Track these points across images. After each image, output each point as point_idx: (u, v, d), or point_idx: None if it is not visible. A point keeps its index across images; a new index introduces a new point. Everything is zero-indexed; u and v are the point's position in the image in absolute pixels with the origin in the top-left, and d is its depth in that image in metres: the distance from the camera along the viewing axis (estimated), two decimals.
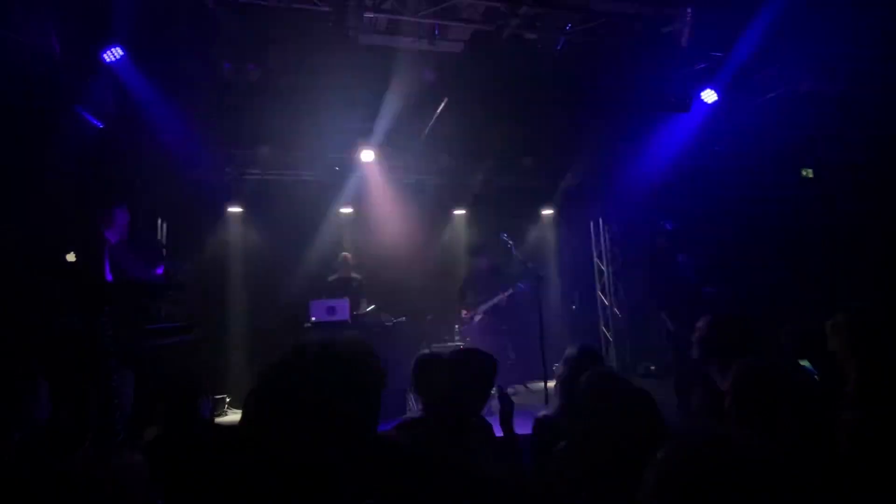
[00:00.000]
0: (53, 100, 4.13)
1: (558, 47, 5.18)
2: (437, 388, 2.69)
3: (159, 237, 6.53)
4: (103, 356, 3.09)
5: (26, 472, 1.92)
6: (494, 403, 5.89)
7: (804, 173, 7.21)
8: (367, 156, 7.07)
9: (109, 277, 3.33)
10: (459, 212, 8.54)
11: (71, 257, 3.11)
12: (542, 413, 2.82)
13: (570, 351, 2.86)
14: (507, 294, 6.14)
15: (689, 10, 4.43)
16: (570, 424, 1.79)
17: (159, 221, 6.62)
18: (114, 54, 4.52)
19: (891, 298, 5.29)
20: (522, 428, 2.70)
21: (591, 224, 8.68)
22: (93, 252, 3.29)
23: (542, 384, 5.34)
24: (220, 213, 7.38)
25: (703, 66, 5.51)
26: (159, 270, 3.76)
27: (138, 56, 4.62)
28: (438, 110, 6.57)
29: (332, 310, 6.00)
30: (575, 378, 2.72)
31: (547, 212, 8.83)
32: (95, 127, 4.36)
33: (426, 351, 2.86)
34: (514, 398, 7.21)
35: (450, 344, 6.90)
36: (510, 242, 5.79)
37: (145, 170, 5.36)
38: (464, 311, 6.42)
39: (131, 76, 4.77)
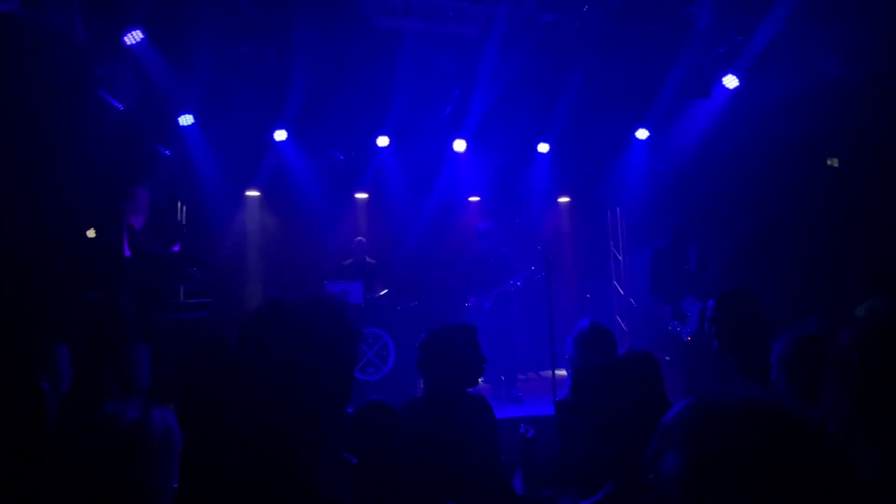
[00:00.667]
0: (76, 82, 4.24)
1: (575, 29, 5.11)
2: (431, 366, 2.75)
3: (179, 219, 6.68)
4: (121, 328, 3.20)
5: (49, 435, 2.01)
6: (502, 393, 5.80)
7: (829, 162, 7.00)
8: (382, 141, 7.11)
9: (128, 253, 3.44)
10: (475, 199, 8.53)
11: (91, 233, 3.22)
12: (563, 396, 2.84)
13: (579, 329, 2.85)
14: (519, 280, 5.96)
15: None
16: (580, 404, 1.79)
17: (179, 204, 6.77)
18: (134, 37, 4.61)
19: None
20: (538, 409, 2.69)
21: (608, 212, 8.59)
22: (112, 229, 3.40)
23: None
24: (238, 196, 7.52)
25: (723, 49, 5.37)
26: (175, 248, 3.86)
27: (158, 39, 4.70)
28: (454, 95, 6.56)
29: (345, 292, 6.08)
30: (580, 356, 2.73)
31: (563, 199, 8.76)
32: (116, 109, 4.47)
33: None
34: (525, 384, 7.10)
35: None
36: (523, 227, 5.71)
37: (164, 152, 5.48)
38: (472, 298, 6.20)
39: (151, 59, 4.87)
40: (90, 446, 1.31)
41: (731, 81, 5.79)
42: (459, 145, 7.27)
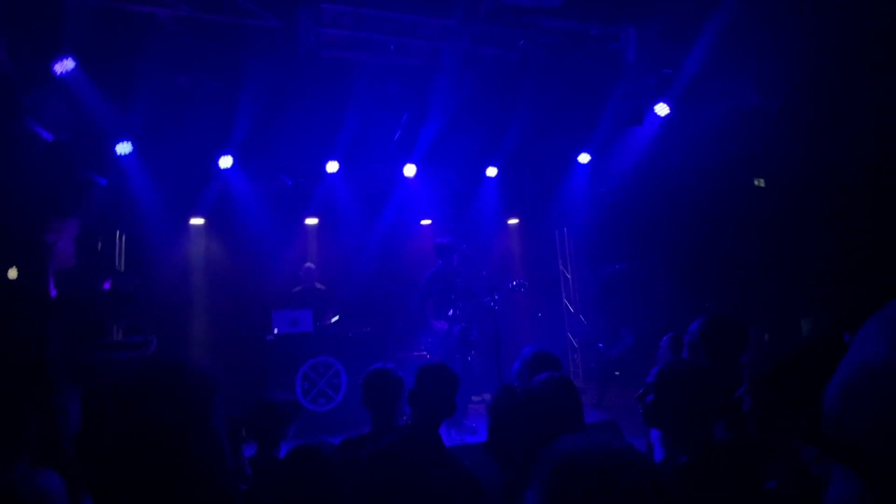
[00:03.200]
0: (1, 111, 4.05)
1: (515, 61, 5.32)
2: (384, 404, 2.69)
3: (118, 251, 6.42)
4: (48, 372, 3.04)
5: None
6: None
7: (756, 183, 7.50)
8: (332, 166, 7.10)
9: (53, 293, 3.28)
10: (426, 222, 8.61)
11: (12, 273, 3.06)
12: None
13: (523, 356, 2.89)
14: (495, 299, 5.38)
15: (631, 30, 4.62)
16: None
17: (118, 234, 6.51)
18: (65, 66, 4.47)
19: (845, 305, 5.52)
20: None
21: (556, 233, 8.85)
22: (36, 267, 3.25)
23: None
24: (182, 224, 7.30)
25: (654, 80, 5.71)
26: (106, 285, 3.71)
27: (91, 68, 4.57)
28: (403, 121, 6.65)
29: (294, 321, 5.98)
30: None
31: (512, 221, 8.97)
32: (45, 139, 4.29)
33: (377, 366, 2.84)
34: (479, 406, 6.97)
35: (415, 354, 6.93)
36: (467, 251, 5.66)
37: (100, 183, 5.28)
38: (437, 323, 5.64)
39: (85, 87, 4.72)
40: None
41: (662, 109, 6.15)
42: (409, 170, 7.35)
